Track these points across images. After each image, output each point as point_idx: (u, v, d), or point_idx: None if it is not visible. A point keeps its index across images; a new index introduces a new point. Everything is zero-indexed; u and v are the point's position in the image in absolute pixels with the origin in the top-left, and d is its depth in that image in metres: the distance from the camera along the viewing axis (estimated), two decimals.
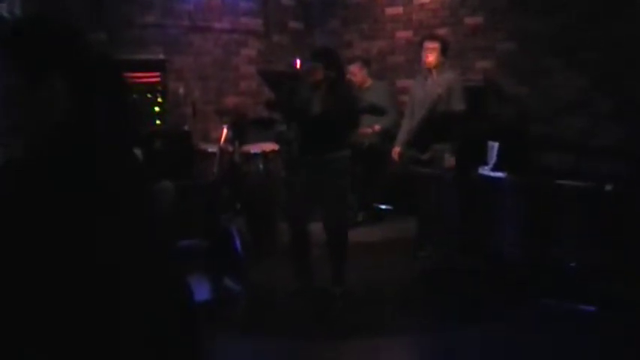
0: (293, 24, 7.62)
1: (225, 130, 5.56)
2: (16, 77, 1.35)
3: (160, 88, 5.84)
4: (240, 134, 5.64)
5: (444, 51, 5.42)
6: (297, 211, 4.53)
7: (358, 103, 4.82)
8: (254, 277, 4.74)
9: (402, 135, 5.87)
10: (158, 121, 5.80)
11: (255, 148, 5.69)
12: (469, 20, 6.65)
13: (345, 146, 4.49)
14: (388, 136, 6.33)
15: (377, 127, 6.25)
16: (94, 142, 1.39)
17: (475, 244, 5.00)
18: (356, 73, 6.50)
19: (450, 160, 5.22)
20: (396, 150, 5.79)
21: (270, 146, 5.69)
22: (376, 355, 3.83)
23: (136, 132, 3.46)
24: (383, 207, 6.58)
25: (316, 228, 4.61)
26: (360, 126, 6.31)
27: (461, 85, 5.52)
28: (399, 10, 7.17)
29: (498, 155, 5.01)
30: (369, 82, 6.54)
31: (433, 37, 5.61)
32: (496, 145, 5.04)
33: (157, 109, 5.80)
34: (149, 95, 5.76)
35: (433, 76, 5.46)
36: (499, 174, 4.94)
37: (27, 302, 1.25)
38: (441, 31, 6.71)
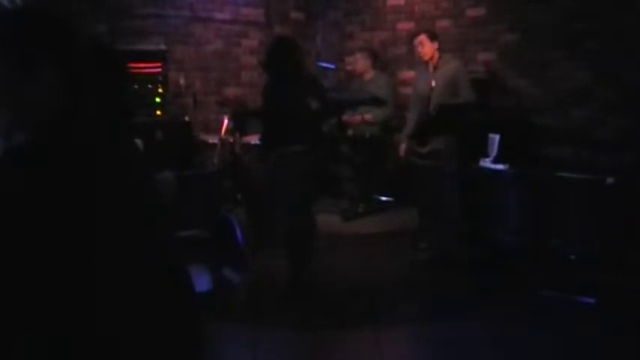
0: (294, 14, 7.59)
1: (225, 121, 5.55)
2: (7, 68, 1.34)
3: (160, 78, 5.83)
4: (240, 125, 5.63)
5: (432, 39, 5.34)
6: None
7: (323, 97, 4.62)
8: (253, 267, 4.75)
9: (408, 129, 5.70)
10: (159, 112, 5.80)
11: (255, 139, 5.68)
12: (471, 12, 6.62)
13: (298, 142, 4.33)
14: (387, 127, 6.33)
15: (367, 117, 6.25)
16: (91, 132, 1.39)
17: (475, 235, 5.01)
18: (357, 60, 6.50)
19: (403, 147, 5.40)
20: (403, 146, 5.60)
21: None
22: (375, 345, 3.84)
23: (132, 120, 3.46)
24: (383, 198, 6.59)
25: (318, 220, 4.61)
26: (352, 115, 6.36)
27: (466, 75, 5.48)
28: (401, 1, 7.14)
29: (499, 148, 5.00)
30: (371, 73, 6.53)
31: (417, 33, 5.54)
32: (497, 137, 5.04)
33: (157, 99, 5.79)
34: (150, 86, 5.76)
35: (433, 67, 5.42)
36: (500, 166, 4.94)
37: (26, 292, 1.25)
38: (443, 23, 6.69)
